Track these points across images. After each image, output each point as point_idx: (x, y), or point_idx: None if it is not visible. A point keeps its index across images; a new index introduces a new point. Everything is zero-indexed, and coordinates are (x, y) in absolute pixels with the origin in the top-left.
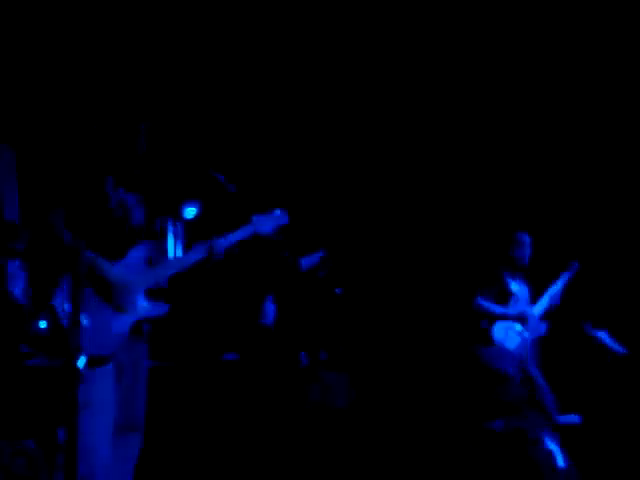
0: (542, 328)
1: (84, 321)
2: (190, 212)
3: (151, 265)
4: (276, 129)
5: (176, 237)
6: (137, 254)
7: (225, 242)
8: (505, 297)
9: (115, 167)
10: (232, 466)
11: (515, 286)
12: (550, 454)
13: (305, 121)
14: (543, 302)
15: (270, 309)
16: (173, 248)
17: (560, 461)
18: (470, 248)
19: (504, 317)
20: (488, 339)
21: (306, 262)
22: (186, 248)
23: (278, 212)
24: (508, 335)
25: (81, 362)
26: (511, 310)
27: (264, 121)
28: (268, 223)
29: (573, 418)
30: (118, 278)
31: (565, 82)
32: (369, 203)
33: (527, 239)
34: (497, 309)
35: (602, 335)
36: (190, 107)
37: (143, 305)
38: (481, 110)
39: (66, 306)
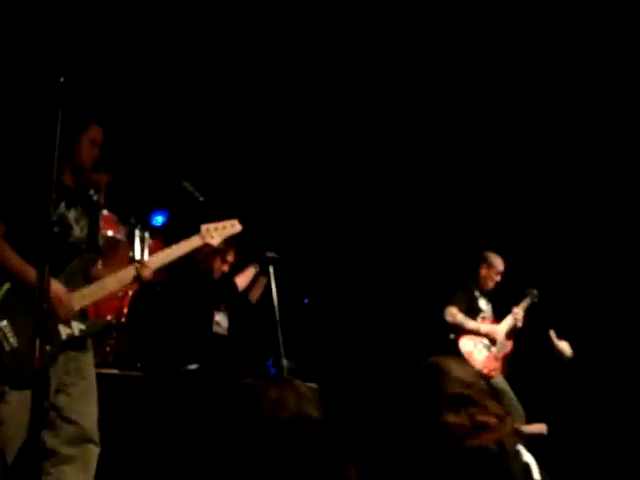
0: (508, 346)
1: (13, 341)
2: (158, 220)
3: (89, 282)
4: (250, 136)
5: (143, 244)
6: (73, 271)
7: (161, 260)
8: (473, 313)
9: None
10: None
11: (483, 303)
12: (526, 468)
13: (280, 127)
14: (507, 321)
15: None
16: (141, 255)
17: (536, 474)
18: (444, 260)
19: (476, 331)
20: (455, 351)
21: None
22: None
23: (231, 221)
24: (477, 348)
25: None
26: (482, 326)
27: (235, 127)
28: (217, 233)
29: (540, 428)
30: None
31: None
32: (340, 211)
33: (498, 260)
34: (469, 322)
35: (562, 344)
36: (157, 114)
37: (77, 324)
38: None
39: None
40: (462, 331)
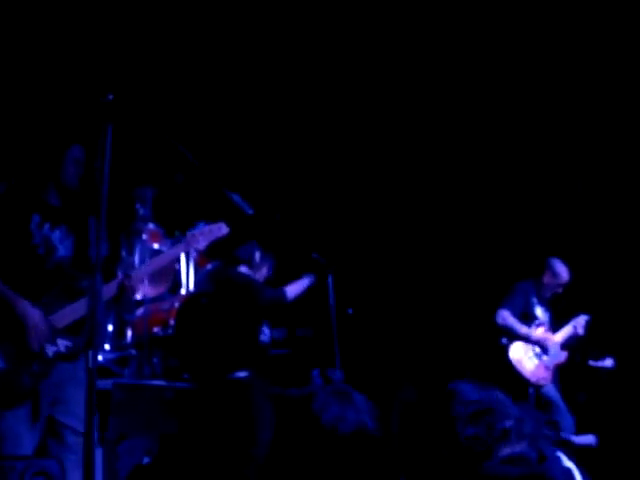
0: (562, 356)
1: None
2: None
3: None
4: (277, 141)
5: (188, 257)
6: (58, 291)
7: (147, 270)
8: (527, 319)
9: (41, 202)
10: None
11: (539, 310)
12: (568, 473)
13: (304, 134)
14: (564, 331)
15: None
16: (187, 268)
17: (578, 478)
18: (502, 265)
19: (527, 337)
20: (505, 357)
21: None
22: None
23: (217, 224)
24: (527, 355)
25: None
26: (534, 332)
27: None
28: (203, 237)
29: (590, 439)
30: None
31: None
32: (387, 217)
33: (564, 274)
34: (521, 328)
35: (607, 363)
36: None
37: (62, 341)
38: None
39: None
40: (513, 336)
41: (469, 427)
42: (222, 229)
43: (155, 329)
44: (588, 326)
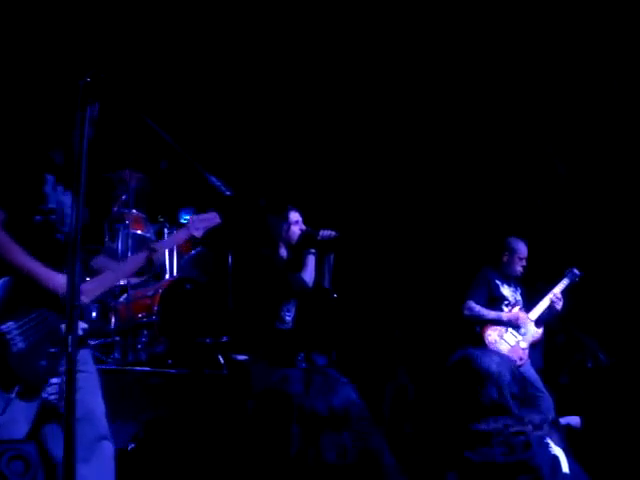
0: (537, 334)
1: (19, 343)
2: (186, 217)
3: (90, 275)
4: (273, 132)
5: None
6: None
7: (164, 246)
8: (496, 301)
9: (51, 162)
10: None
11: (507, 290)
12: (555, 460)
13: (302, 126)
14: (539, 307)
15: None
16: (169, 254)
17: (565, 467)
18: (460, 252)
19: (497, 321)
20: (481, 343)
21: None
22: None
23: (211, 214)
24: (502, 338)
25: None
26: (504, 314)
27: (260, 124)
28: (201, 225)
29: (574, 420)
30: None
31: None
32: (359, 206)
33: (522, 248)
34: (489, 313)
35: (591, 343)
36: (182, 108)
37: (80, 323)
38: (476, 111)
39: None
40: (484, 322)
41: (483, 420)
42: (215, 219)
43: (139, 315)
44: (565, 295)
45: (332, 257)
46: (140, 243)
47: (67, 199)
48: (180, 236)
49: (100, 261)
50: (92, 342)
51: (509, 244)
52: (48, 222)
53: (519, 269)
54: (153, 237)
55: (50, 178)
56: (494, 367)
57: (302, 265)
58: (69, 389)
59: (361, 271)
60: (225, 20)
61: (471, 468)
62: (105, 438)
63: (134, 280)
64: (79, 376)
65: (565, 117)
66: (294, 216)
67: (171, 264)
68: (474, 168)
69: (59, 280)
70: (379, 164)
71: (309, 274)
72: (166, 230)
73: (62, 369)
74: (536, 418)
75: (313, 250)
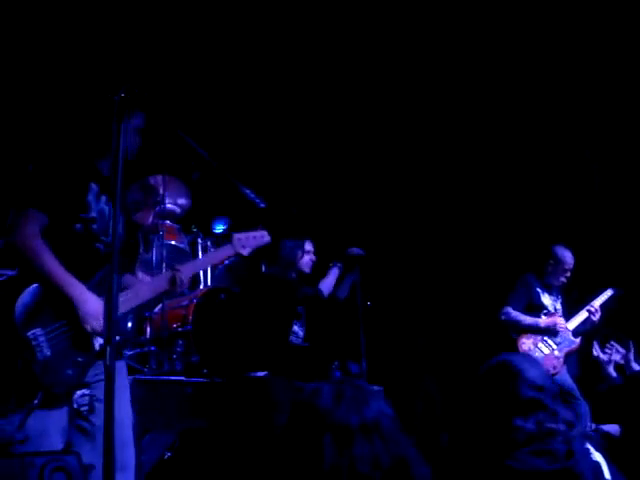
0: (574, 343)
1: (45, 350)
2: (220, 227)
3: (121, 289)
4: (301, 146)
5: (205, 252)
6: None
7: (194, 268)
8: (535, 310)
9: (96, 171)
10: None
11: (547, 299)
12: (596, 467)
13: (330, 142)
14: (578, 318)
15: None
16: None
17: (606, 473)
18: (503, 258)
19: (533, 327)
20: (515, 350)
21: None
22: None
23: (260, 232)
24: (537, 347)
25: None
26: (541, 320)
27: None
28: (249, 243)
29: (613, 428)
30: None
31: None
32: (394, 213)
33: (568, 259)
34: (526, 319)
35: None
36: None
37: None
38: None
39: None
40: (520, 329)
41: (519, 417)
42: (265, 237)
43: (174, 325)
44: (607, 308)
45: (357, 271)
46: (174, 253)
47: (109, 209)
48: (225, 253)
49: (127, 279)
50: (128, 352)
51: (555, 253)
52: (89, 231)
53: (562, 280)
54: (187, 248)
55: (94, 187)
56: (533, 371)
57: (325, 275)
58: (109, 401)
59: (390, 279)
60: (255, 37)
61: (513, 477)
62: (128, 446)
63: None
64: (101, 388)
65: (605, 122)
66: (308, 246)
67: (205, 274)
68: (514, 174)
69: (85, 295)
70: (413, 171)
71: (328, 284)
72: (200, 240)
73: (89, 379)
74: (569, 415)
75: (339, 264)
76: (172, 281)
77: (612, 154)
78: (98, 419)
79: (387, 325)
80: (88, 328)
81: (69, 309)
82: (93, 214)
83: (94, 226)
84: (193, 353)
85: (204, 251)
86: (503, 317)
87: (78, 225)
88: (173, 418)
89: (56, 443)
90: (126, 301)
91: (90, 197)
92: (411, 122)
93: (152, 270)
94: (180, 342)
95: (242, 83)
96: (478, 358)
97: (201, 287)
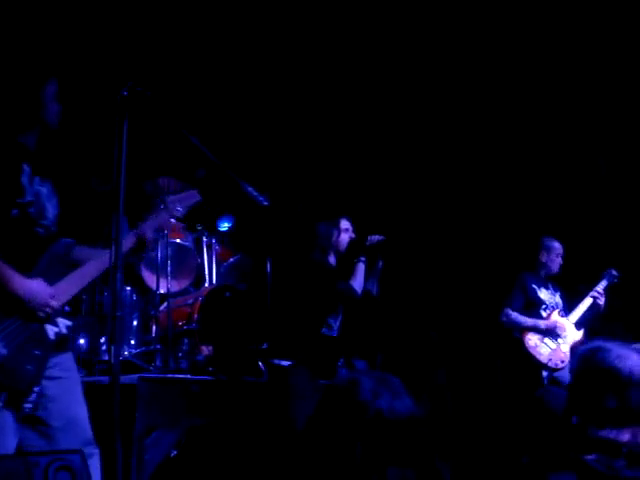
0: (578, 335)
1: (1, 350)
2: (224, 226)
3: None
4: (310, 139)
5: (210, 250)
6: (52, 260)
7: (149, 227)
8: (534, 306)
9: (26, 149)
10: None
11: (544, 294)
12: None
13: (340, 134)
14: (579, 309)
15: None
16: (209, 262)
17: None
18: (495, 257)
19: (534, 329)
20: (520, 349)
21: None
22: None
23: (190, 192)
24: (543, 342)
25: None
26: (541, 320)
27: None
28: (180, 204)
29: None
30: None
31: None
32: (401, 211)
33: (556, 245)
34: (526, 320)
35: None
36: (220, 118)
37: (63, 320)
38: (516, 112)
39: None
40: (522, 330)
41: (613, 430)
42: (194, 196)
43: (180, 323)
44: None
45: (380, 264)
46: (179, 252)
47: (44, 190)
48: (163, 216)
49: (80, 251)
50: (134, 350)
51: (544, 243)
52: (26, 215)
53: (558, 263)
54: (192, 245)
55: (26, 168)
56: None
57: (352, 273)
58: (114, 400)
59: (402, 275)
60: (259, 37)
61: (589, 473)
62: (90, 443)
63: (174, 289)
64: (58, 382)
65: (609, 115)
66: (344, 224)
67: (210, 272)
68: (518, 172)
69: (27, 285)
70: (416, 169)
71: (359, 282)
72: (204, 239)
73: (47, 373)
74: None
75: (363, 258)
76: (139, 239)
77: (617, 150)
78: (54, 419)
79: (398, 319)
80: (42, 315)
81: (17, 304)
82: (29, 197)
83: (31, 210)
84: (199, 351)
85: (209, 249)
86: (504, 319)
87: (14, 210)
88: (179, 416)
89: (11, 444)
90: (75, 283)
91: (24, 179)
92: (411, 122)
93: (157, 268)
94: (186, 340)
95: (246, 81)
96: (488, 353)
97: (206, 285)
